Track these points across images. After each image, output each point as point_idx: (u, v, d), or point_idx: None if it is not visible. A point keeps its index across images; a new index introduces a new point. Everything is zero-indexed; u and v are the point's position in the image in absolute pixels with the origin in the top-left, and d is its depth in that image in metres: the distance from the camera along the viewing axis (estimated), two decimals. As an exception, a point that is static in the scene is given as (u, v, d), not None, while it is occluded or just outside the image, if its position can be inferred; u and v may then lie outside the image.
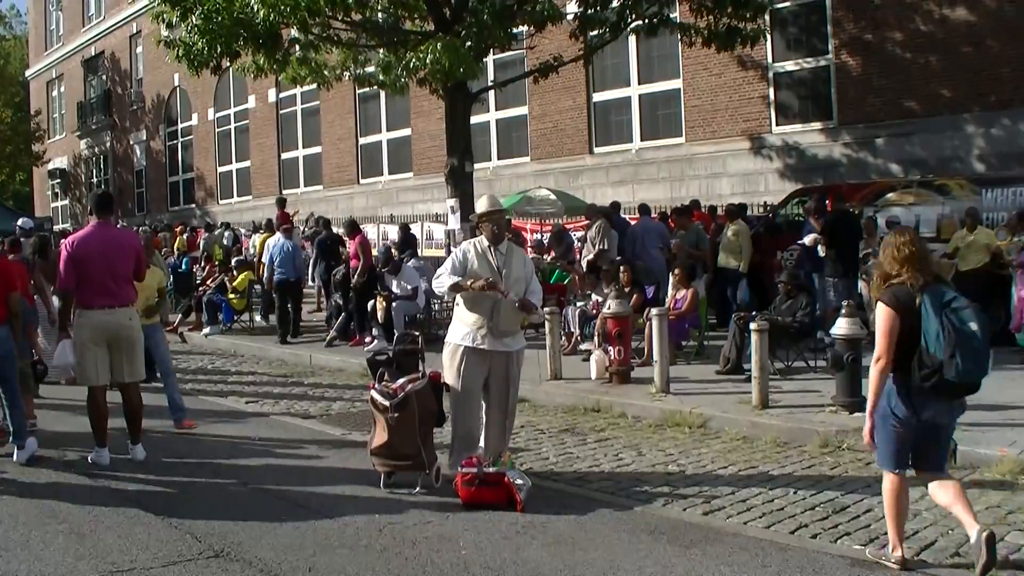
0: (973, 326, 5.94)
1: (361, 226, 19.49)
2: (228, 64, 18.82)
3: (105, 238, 9.42)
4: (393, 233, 24.12)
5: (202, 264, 24.25)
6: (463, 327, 8.39)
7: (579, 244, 19.21)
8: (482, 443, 8.51)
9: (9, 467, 9.22)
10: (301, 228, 25.68)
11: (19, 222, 20.23)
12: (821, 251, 14.53)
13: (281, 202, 26.16)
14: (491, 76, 26.20)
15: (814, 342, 13.21)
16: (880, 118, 20.79)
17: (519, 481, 7.65)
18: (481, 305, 8.27)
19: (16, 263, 10.86)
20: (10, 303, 9.41)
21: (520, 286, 8.39)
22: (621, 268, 14.73)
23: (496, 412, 8.47)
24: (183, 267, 22.12)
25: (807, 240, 14.91)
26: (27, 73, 59.93)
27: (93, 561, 6.50)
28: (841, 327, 10.45)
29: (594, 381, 12.83)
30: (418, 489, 8.08)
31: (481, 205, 8.65)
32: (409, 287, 16.34)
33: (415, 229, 24.49)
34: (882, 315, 6.17)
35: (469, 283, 8.22)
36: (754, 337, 10.98)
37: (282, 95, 37.18)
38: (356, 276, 16.99)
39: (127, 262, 9.48)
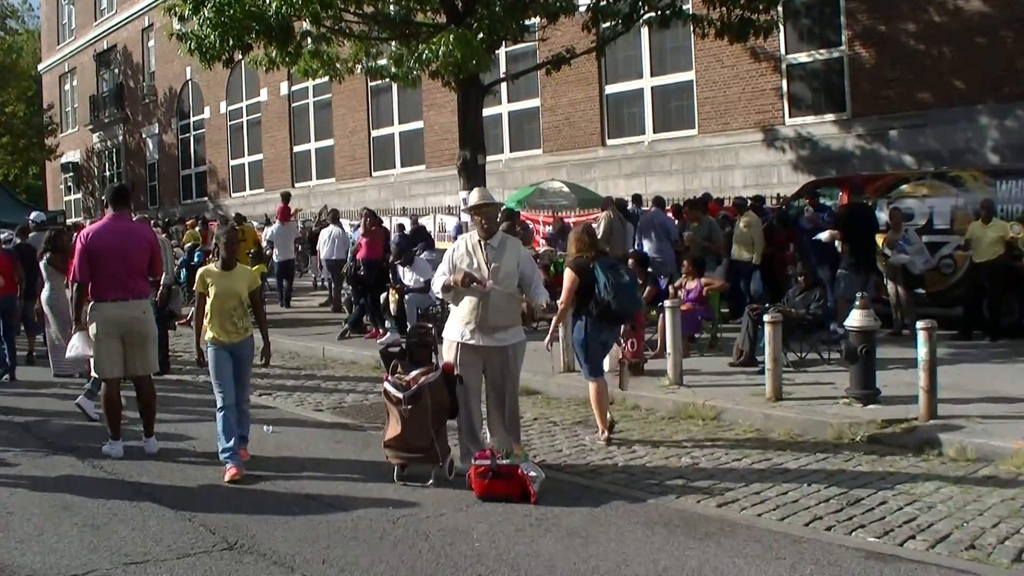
0: (626, 278, 9.55)
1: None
2: (240, 57, 18.81)
3: (120, 231, 9.43)
4: (408, 226, 24.16)
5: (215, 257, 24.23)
6: (455, 323, 8.43)
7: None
8: (489, 436, 8.52)
9: (23, 460, 9.25)
10: (299, 223, 25.87)
11: (31, 215, 20.31)
12: (837, 244, 14.53)
13: (285, 196, 26.18)
14: (503, 68, 26.16)
15: (827, 334, 13.16)
16: (894, 110, 20.72)
17: (532, 473, 7.65)
18: (469, 301, 8.28)
19: None
20: None
21: (512, 280, 8.33)
22: (629, 260, 14.73)
23: (495, 406, 8.47)
24: (195, 260, 22.10)
25: (823, 236, 14.88)
26: (39, 67, 60.13)
27: (107, 553, 6.51)
28: (855, 319, 10.41)
29: (607, 373, 12.78)
30: (431, 482, 8.09)
31: (472, 199, 8.65)
32: (422, 280, 16.32)
33: (427, 221, 24.57)
34: (568, 276, 9.53)
35: (452, 279, 8.27)
36: (768, 329, 10.95)
37: (294, 88, 37.24)
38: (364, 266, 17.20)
39: (141, 255, 9.48)
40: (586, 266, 9.41)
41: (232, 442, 8.55)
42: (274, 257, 22.32)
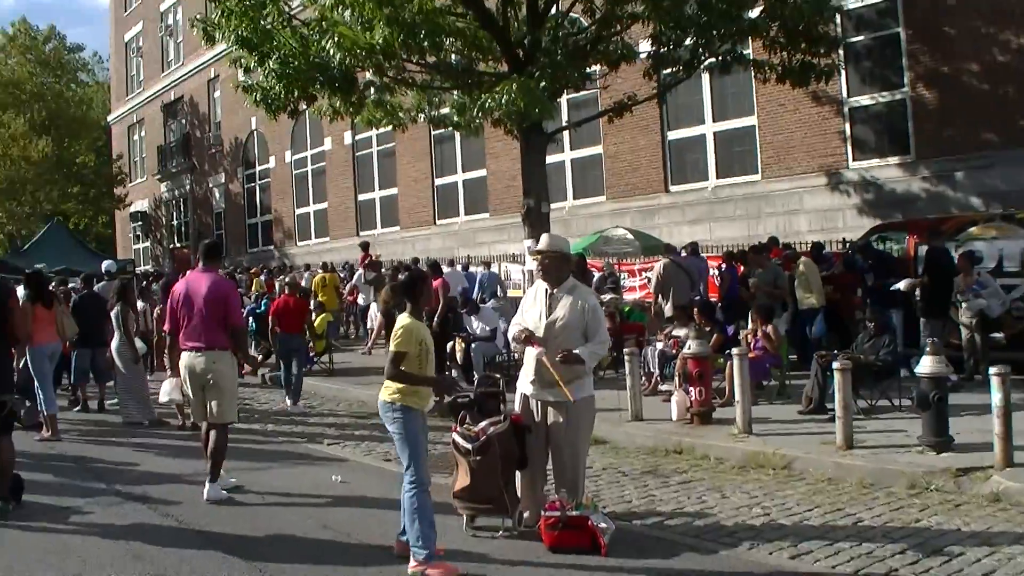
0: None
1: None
2: (304, 107, 19.08)
3: (197, 282, 9.82)
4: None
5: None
6: (521, 375, 8.37)
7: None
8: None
9: (95, 507, 9.36)
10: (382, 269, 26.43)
11: (104, 265, 20.69)
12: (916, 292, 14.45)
13: (364, 245, 27.21)
14: (565, 116, 26.27)
15: (898, 381, 12.98)
16: (958, 151, 20.49)
17: (603, 524, 7.60)
18: (529, 353, 8.14)
19: None
20: None
21: (569, 334, 7.95)
22: (695, 309, 14.68)
23: (557, 459, 8.19)
24: (261, 308, 22.24)
25: (902, 286, 14.74)
26: (109, 118, 61.38)
27: (181, 604, 6.56)
28: (926, 365, 10.27)
29: (675, 422, 12.72)
30: (501, 533, 8.07)
31: (537, 244, 8.52)
32: (488, 328, 16.36)
33: (494, 269, 24.86)
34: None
35: (511, 335, 8.38)
36: (837, 376, 10.82)
37: (358, 137, 37.58)
38: (436, 319, 17.07)
39: (215, 306, 9.69)
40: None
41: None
42: (359, 301, 25.44)
